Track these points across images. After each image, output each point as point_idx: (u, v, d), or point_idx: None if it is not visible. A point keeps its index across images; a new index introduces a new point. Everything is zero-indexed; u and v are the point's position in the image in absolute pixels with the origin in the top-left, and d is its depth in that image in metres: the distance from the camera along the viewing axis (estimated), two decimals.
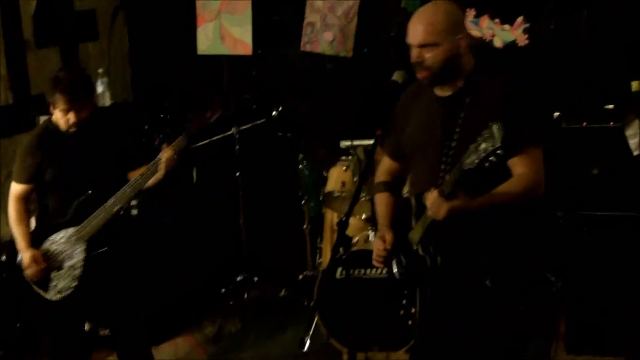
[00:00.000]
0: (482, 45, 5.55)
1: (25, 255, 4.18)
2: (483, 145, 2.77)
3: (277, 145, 6.16)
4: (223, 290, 5.92)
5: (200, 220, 6.07)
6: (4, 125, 5.29)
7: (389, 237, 3.38)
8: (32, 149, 4.25)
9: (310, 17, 6.40)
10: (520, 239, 3.19)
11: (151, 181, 4.22)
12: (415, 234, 3.29)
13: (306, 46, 6.47)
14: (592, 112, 4.98)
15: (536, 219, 3.24)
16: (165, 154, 4.19)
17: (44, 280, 4.21)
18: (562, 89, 5.32)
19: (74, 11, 6.28)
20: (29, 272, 4.16)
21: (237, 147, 5.81)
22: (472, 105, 3.15)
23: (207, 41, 6.76)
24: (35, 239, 4.23)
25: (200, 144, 5.73)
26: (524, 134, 3.07)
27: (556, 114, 4.98)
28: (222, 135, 5.80)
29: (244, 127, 5.80)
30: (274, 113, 5.71)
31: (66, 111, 4.08)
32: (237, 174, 5.86)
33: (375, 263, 3.44)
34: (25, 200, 4.32)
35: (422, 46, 3.14)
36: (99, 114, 4.39)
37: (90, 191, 4.17)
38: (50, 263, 4.19)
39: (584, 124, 4.88)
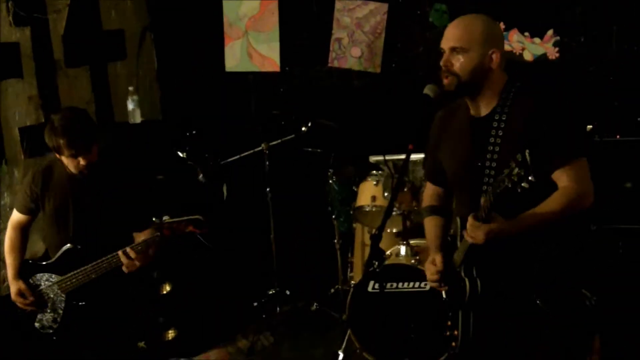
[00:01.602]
0: (512, 60, 5.55)
1: (11, 285, 4.25)
2: (516, 171, 2.75)
3: (307, 161, 6.17)
4: (255, 304, 5.94)
5: (232, 235, 6.09)
6: (36, 144, 5.34)
7: (438, 258, 3.39)
8: (33, 182, 4.26)
9: (337, 33, 6.43)
10: (559, 254, 3.17)
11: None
12: (458, 256, 3.29)
13: (334, 62, 6.50)
14: (626, 125, 4.96)
15: (573, 233, 3.22)
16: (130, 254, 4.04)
17: (32, 311, 4.26)
18: (595, 102, 5.30)
19: (102, 31, 6.35)
20: (17, 302, 4.23)
21: (267, 163, 5.83)
22: (507, 123, 3.13)
23: (234, 59, 6.80)
24: (28, 270, 4.27)
25: (230, 160, 5.77)
26: (563, 147, 3.05)
27: (589, 127, 4.97)
28: (251, 151, 5.82)
29: (274, 143, 5.82)
30: (303, 129, 5.73)
31: (74, 156, 4.01)
32: (267, 189, 5.88)
33: (432, 285, 3.45)
34: (21, 229, 4.37)
35: (453, 50, 3.15)
36: (112, 164, 4.26)
37: (79, 246, 4.15)
38: (37, 297, 4.22)
39: (618, 136, 4.87)
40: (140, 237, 4.13)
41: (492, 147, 3.15)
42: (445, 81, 3.17)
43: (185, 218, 4.06)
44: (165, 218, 4.10)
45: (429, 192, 3.69)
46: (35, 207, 4.29)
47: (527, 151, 2.71)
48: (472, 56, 3.14)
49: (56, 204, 4.21)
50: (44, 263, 4.24)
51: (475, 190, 3.18)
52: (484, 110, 3.23)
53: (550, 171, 3.07)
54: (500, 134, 3.14)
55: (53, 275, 4.20)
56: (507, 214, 3.03)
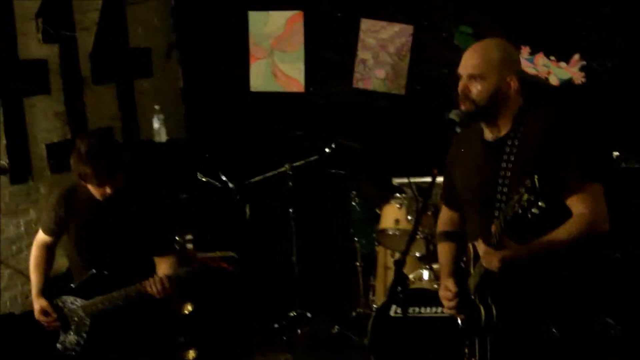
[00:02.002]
0: (537, 84, 5.53)
1: (34, 303, 4.23)
2: (525, 197, 2.73)
3: (330, 182, 6.16)
4: (276, 325, 5.90)
5: (254, 256, 6.08)
6: (62, 160, 5.37)
7: (450, 284, 3.36)
8: (57, 204, 4.23)
9: (362, 54, 6.44)
10: (578, 281, 3.13)
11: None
12: (472, 282, 3.26)
13: (358, 83, 6.51)
14: None
15: (592, 260, 3.18)
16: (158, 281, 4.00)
17: (54, 330, 4.23)
18: (621, 128, 5.25)
19: (129, 49, 6.40)
20: (39, 320, 4.20)
21: (290, 183, 5.82)
22: (519, 148, 3.10)
23: (259, 78, 6.83)
24: (54, 292, 4.25)
25: (253, 180, 5.77)
26: (577, 172, 3.00)
27: (615, 153, 4.93)
28: (275, 172, 5.82)
29: (297, 163, 5.82)
30: (326, 150, 5.72)
31: (100, 185, 3.99)
32: (290, 210, 5.88)
33: (449, 312, 3.42)
34: (46, 248, 4.34)
35: (470, 77, 3.14)
36: (135, 186, 4.23)
37: (105, 272, 4.12)
38: (61, 318, 4.20)
39: None
40: (161, 262, 4.14)
41: (504, 172, 3.12)
42: (462, 107, 3.17)
43: (220, 255, 4.05)
44: (188, 237, 4.10)
45: (444, 217, 3.67)
46: (59, 230, 4.29)
47: (536, 177, 2.70)
48: (489, 83, 3.12)
49: (80, 226, 4.21)
50: (71, 286, 4.24)
51: (486, 214, 3.15)
52: (498, 134, 3.21)
53: (563, 196, 3.03)
54: (512, 158, 3.11)
55: (78, 299, 4.21)
56: (522, 239, 3.00)
